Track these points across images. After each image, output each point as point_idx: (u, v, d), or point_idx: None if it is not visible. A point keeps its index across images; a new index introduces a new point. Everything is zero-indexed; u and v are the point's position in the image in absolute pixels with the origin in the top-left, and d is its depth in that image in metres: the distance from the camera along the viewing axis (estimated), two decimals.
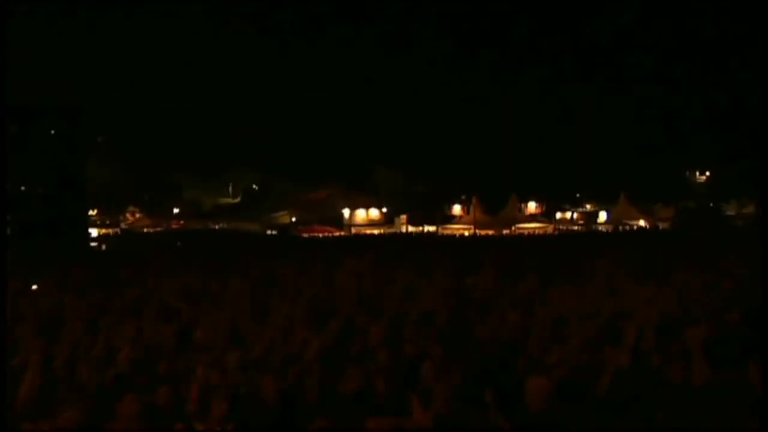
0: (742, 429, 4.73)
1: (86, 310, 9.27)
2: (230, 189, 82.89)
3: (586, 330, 6.85)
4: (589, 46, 74.29)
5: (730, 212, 63.58)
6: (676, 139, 68.18)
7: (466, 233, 55.00)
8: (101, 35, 77.77)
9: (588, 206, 72.03)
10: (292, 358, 6.34)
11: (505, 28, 78.32)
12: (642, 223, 60.01)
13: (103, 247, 49.53)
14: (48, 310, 9.65)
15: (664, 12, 71.83)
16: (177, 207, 77.41)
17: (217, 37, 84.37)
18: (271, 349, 6.60)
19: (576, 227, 63.51)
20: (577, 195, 74.67)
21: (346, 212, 68.20)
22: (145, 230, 66.04)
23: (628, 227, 57.03)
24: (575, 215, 69.97)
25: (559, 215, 68.72)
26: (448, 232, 57.85)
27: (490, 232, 54.24)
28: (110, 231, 64.36)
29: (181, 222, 71.31)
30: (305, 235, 57.80)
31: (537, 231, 56.52)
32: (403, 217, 65.53)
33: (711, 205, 64.86)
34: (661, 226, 58.99)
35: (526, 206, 68.24)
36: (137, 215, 74.16)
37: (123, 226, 69.78)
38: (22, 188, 46.78)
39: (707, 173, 75.41)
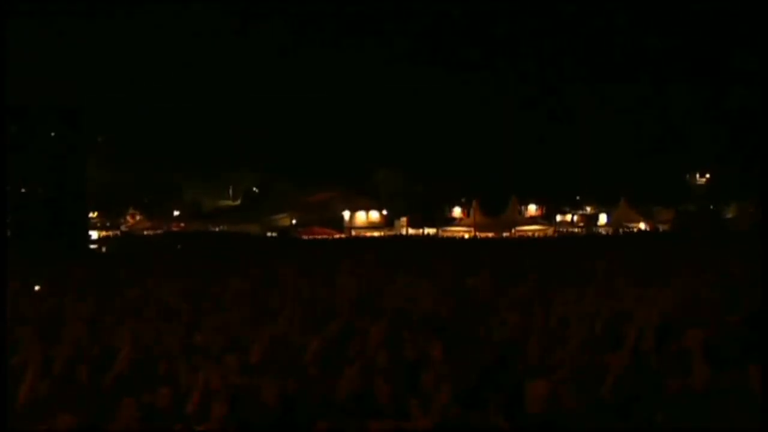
0: (741, 430, 4.73)
1: (86, 311, 9.27)
2: (230, 191, 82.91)
3: (586, 331, 6.85)
4: (589, 48, 74.38)
5: (730, 215, 63.58)
6: (676, 141, 68.23)
7: (467, 235, 55.02)
8: (101, 35, 77.74)
9: (588, 209, 72.11)
10: (292, 361, 6.34)
11: (504, 30, 78.35)
12: (642, 225, 60.07)
13: (103, 249, 49.53)
14: (48, 311, 9.64)
15: (664, 13, 71.91)
16: (177, 209, 77.40)
17: (217, 38, 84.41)
18: (271, 351, 6.60)
19: (576, 230, 63.53)
20: (577, 197, 74.73)
21: (346, 214, 68.20)
22: (146, 232, 66.04)
23: (628, 230, 57.06)
24: (575, 218, 70.00)
25: (559, 218, 68.78)
26: (449, 234, 57.88)
27: (491, 235, 54.25)
28: (110, 233, 64.38)
29: (182, 224, 71.32)
30: (305, 237, 57.81)
31: (537, 233, 56.55)
32: (404, 219, 65.56)
33: (711, 207, 64.85)
34: (661, 228, 59.04)
35: (527, 208, 68.30)
36: (137, 217, 74.15)
37: (123, 228, 69.79)
38: (23, 190, 46.79)
39: (707, 176, 75.42)
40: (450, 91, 79.23)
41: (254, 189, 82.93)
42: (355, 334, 7.21)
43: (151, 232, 65.78)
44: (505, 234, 55.54)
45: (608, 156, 68.75)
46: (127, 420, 5.04)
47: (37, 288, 13.21)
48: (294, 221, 69.80)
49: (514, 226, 58.03)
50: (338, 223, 66.44)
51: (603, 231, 59.60)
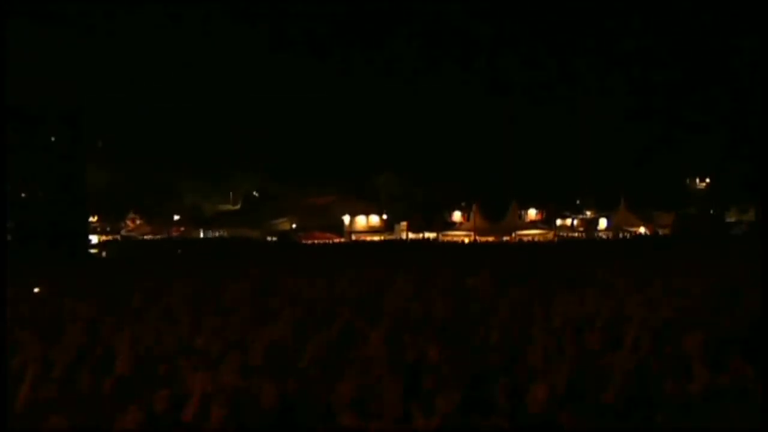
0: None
1: (86, 315, 9.27)
2: (231, 196, 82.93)
3: (587, 334, 6.86)
4: (589, 50, 74.45)
5: (731, 219, 63.61)
6: (676, 144, 68.29)
7: (467, 240, 55.04)
8: (101, 37, 77.99)
9: (588, 213, 72.10)
10: (292, 363, 6.34)
11: (504, 33, 78.45)
12: (642, 229, 60.06)
13: (103, 253, 49.47)
14: (48, 315, 9.65)
15: (664, 14, 72.00)
16: (177, 213, 77.40)
17: (217, 41, 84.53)
18: (271, 355, 6.60)
19: (576, 234, 63.52)
20: (578, 202, 74.73)
21: (346, 219, 68.20)
22: (146, 237, 66.00)
23: (628, 234, 57.06)
24: (575, 222, 69.99)
25: (559, 222, 68.74)
26: (449, 238, 57.88)
27: (491, 239, 54.27)
28: (110, 237, 64.35)
29: (182, 228, 71.30)
30: (306, 241, 57.82)
31: (537, 238, 56.54)
32: (404, 223, 65.54)
33: (711, 211, 64.87)
34: (661, 232, 59.04)
35: (527, 213, 68.29)
36: (138, 222, 74.10)
37: (123, 232, 69.76)
38: (23, 195, 46.77)
39: (707, 180, 75.47)
40: (450, 94, 79.39)
41: (254, 193, 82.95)
42: (355, 337, 7.21)
43: (151, 237, 65.75)
44: (505, 238, 55.56)
45: (608, 160, 68.87)
46: (131, 425, 5.04)
47: (36, 290, 13.22)
48: (294, 225, 69.80)
49: (515, 231, 58.07)
50: (338, 228, 66.43)
51: (603, 235, 59.58)
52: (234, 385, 5.67)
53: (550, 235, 60.17)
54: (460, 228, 62.47)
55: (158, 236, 66.18)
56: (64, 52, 72.99)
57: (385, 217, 69.96)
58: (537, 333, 6.85)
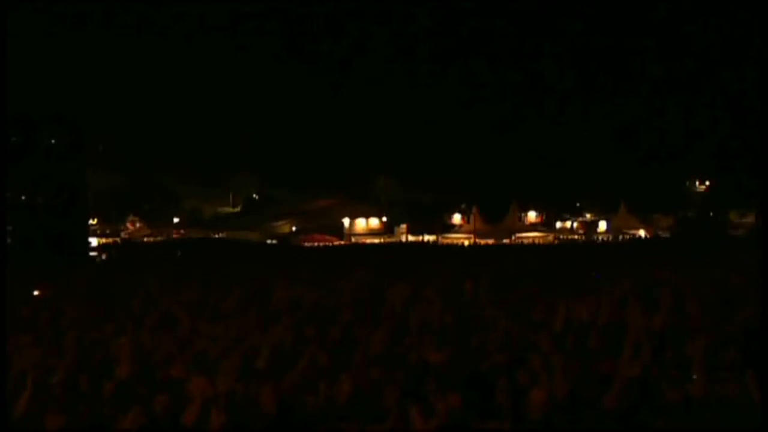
0: None
1: (86, 319, 9.26)
2: (231, 198, 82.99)
3: (587, 339, 6.85)
4: (589, 52, 74.53)
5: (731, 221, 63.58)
6: (676, 147, 68.34)
7: (466, 242, 55.03)
8: (102, 40, 77.83)
9: (588, 215, 72.11)
10: (292, 367, 6.33)
11: (504, 35, 78.54)
12: (642, 232, 60.06)
13: (103, 256, 49.46)
14: (48, 319, 9.63)
15: (665, 17, 72.09)
16: (177, 216, 77.42)
17: (216, 43, 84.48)
18: (271, 358, 6.59)
19: (576, 236, 63.54)
20: (577, 204, 74.75)
21: (346, 221, 68.22)
22: (145, 239, 65.99)
23: (628, 236, 57.07)
24: (575, 224, 70.01)
25: (559, 224, 68.76)
26: (448, 241, 57.88)
27: (491, 242, 54.26)
28: (110, 240, 64.33)
29: (182, 231, 71.30)
30: (305, 244, 57.83)
31: (537, 240, 56.55)
32: (403, 226, 65.58)
33: (711, 214, 64.88)
34: (661, 235, 59.05)
35: (526, 215, 68.32)
36: (137, 224, 74.12)
37: (123, 235, 69.74)
38: (23, 197, 46.76)
39: (707, 182, 75.51)
40: (450, 96, 79.42)
41: (254, 196, 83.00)
42: (355, 340, 7.20)
43: (150, 240, 65.76)
44: (505, 241, 55.57)
45: (608, 163, 68.88)
46: (133, 425, 5.05)
47: (36, 293, 13.21)
48: (294, 228, 69.82)
49: (514, 233, 58.07)
50: (338, 230, 66.45)
51: (603, 238, 59.60)
52: (234, 389, 5.67)
53: (550, 237, 60.18)
54: (460, 230, 62.50)
55: (158, 238, 66.19)
56: (63, 58, 73.01)
57: (384, 219, 70.01)
58: (537, 336, 6.85)
